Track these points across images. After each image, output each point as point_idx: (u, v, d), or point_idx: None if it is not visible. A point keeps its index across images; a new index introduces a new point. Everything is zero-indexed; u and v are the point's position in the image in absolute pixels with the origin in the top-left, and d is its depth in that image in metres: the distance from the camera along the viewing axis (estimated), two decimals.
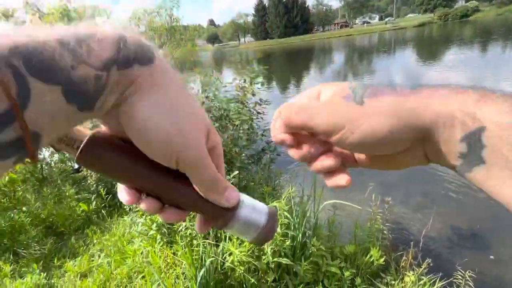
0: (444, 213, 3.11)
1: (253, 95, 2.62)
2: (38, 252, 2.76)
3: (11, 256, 2.73)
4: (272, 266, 2.03)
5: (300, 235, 2.15)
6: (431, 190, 3.48)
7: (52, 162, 4.17)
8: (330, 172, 0.34)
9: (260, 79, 2.64)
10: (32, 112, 0.20)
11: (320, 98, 0.35)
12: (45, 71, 0.20)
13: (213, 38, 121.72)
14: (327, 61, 24.46)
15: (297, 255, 2.12)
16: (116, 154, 0.29)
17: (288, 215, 2.09)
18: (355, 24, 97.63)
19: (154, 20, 5.82)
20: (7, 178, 3.05)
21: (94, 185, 3.45)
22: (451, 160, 0.27)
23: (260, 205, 0.36)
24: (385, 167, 0.34)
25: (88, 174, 3.55)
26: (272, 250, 2.01)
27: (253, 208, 0.35)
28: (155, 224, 2.34)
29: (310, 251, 2.13)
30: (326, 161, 0.33)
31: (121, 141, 0.29)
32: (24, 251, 2.77)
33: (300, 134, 0.34)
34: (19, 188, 3.34)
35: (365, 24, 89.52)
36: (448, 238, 2.88)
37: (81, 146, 0.27)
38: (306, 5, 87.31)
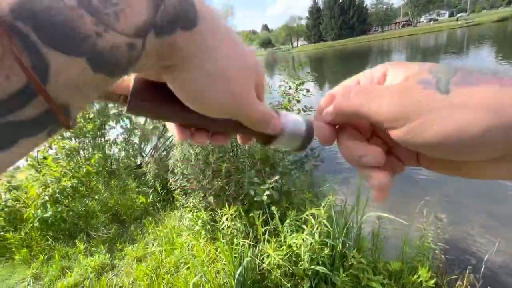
0: None
1: (298, 101, 2.64)
2: (105, 235, 3.20)
3: (84, 236, 3.21)
4: (309, 273, 2.03)
5: (340, 245, 2.10)
6: (499, 209, 3.03)
7: (119, 158, 4.77)
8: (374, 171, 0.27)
9: (302, 86, 2.65)
10: (54, 86, 0.17)
11: (385, 82, 0.28)
12: (63, 40, 0.16)
13: (266, 43, 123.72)
14: (384, 62, 22.92)
15: (336, 265, 2.08)
16: (161, 98, 0.29)
17: (327, 224, 2.07)
18: (419, 22, 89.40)
19: None
20: (84, 169, 3.60)
21: (152, 181, 3.84)
22: None
23: (298, 117, 0.37)
24: (454, 172, 0.26)
25: (147, 170, 3.97)
26: (309, 258, 2.01)
27: (294, 123, 0.36)
28: (200, 221, 2.53)
29: (350, 263, 2.07)
30: (382, 179, 0.27)
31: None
32: (94, 233, 3.23)
33: (353, 127, 0.30)
34: (93, 179, 3.90)
35: (431, 22, 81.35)
36: None
37: (128, 99, 0.28)
38: (364, 5, 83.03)
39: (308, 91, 2.68)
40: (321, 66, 26.83)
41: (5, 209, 3.19)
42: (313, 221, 2.07)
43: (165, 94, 0.28)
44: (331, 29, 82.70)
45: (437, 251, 2.20)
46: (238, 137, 0.37)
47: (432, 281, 2.04)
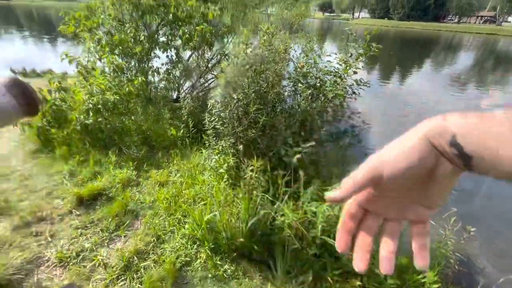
0: None
1: (355, 72, 2.46)
2: (135, 154, 3.41)
3: (117, 150, 3.44)
4: (318, 242, 2.07)
5: None
6: None
7: (158, 87, 4.87)
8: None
9: (363, 57, 2.43)
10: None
11: None
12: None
13: (326, 6, 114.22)
14: (448, 59, 20.57)
15: None
16: None
17: None
18: (506, 21, 77.27)
19: None
20: (127, 89, 3.72)
21: (185, 117, 3.93)
22: None
23: None
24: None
25: (183, 106, 4.04)
26: (322, 228, 2.04)
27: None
28: (226, 165, 2.60)
29: None
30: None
31: None
32: (126, 150, 3.45)
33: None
34: (132, 101, 4.04)
35: None
36: None
37: None
38: None
39: (367, 64, 2.47)
40: (378, 44, 24.62)
41: (53, 107, 3.43)
42: None
43: None
44: (400, 7, 74.10)
45: (451, 260, 2.14)
46: None
47: (436, 286, 2.02)
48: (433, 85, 10.61)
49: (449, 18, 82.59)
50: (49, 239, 2.22)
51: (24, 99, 0.35)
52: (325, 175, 2.53)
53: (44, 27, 24.92)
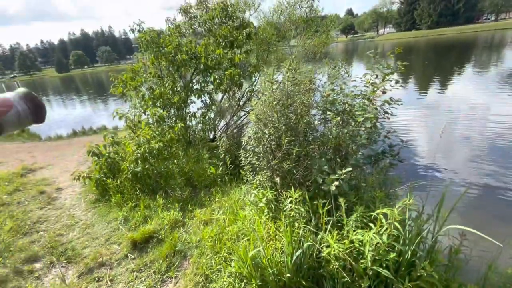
0: None
1: (384, 92, 2.43)
2: (179, 196, 3.61)
3: (163, 193, 3.69)
4: (370, 273, 1.94)
5: (410, 252, 1.94)
6: None
7: (196, 130, 5.24)
8: None
9: (394, 76, 2.41)
10: None
11: None
12: None
13: (349, 29, 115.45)
14: (492, 59, 19.02)
15: (402, 273, 1.94)
16: None
17: (399, 227, 1.91)
18: None
19: (294, 12, 6.14)
20: (169, 136, 4.07)
21: (223, 154, 4.12)
22: None
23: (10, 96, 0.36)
24: None
25: (220, 144, 4.26)
26: (373, 257, 1.92)
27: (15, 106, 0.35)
28: (265, 198, 2.63)
29: (419, 274, 1.90)
30: None
31: None
32: (171, 192, 3.68)
33: None
34: (174, 146, 4.38)
35: None
36: None
37: None
38: None
39: (397, 82, 2.44)
40: (409, 57, 23.86)
41: (108, 160, 3.87)
42: (383, 221, 1.94)
43: None
44: (428, 16, 72.02)
45: None
46: None
47: None
48: (480, 87, 9.81)
49: (484, 18, 77.59)
50: (109, 283, 2.39)
51: (34, 107, 0.43)
52: (368, 199, 2.42)
53: (98, 90, 28.80)
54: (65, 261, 2.71)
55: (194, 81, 5.21)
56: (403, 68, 2.35)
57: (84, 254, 2.78)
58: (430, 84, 11.95)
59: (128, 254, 2.72)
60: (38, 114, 0.43)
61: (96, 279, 2.46)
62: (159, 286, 2.32)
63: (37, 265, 2.69)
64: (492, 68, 14.66)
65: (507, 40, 30.22)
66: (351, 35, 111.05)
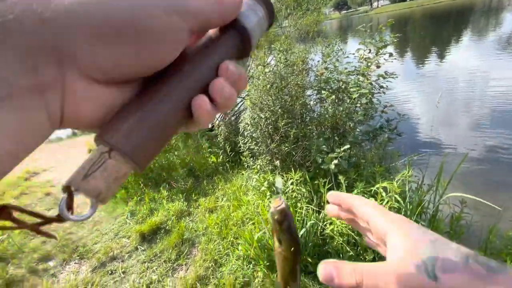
0: None
1: (378, 67, 2.40)
2: (183, 186, 3.65)
3: (167, 185, 3.73)
4: None
5: None
6: None
7: None
8: None
9: (387, 49, 2.38)
10: None
11: (388, 246, 0.32)
12: None
13: (342, 5, 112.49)
14: (490, 24, 18.53)
15: None
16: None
17: (400, 199, 1.95)
18: None
19: None
20: None
21: (222, 143, 4.13)
22: None
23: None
24: None
25: (219, 133, 4.26)
26: None
27: (253, 11, 0.30)
28: (266, 182, 2.66)
29: None
30: None
31: None
32: (174, 183, 3.72)
33: None
34: (173, 138, 4.38)
35: None
36: None
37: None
38: None
39: (391, 55, 2.40)
40: (405, 28, 23.35)
41: None
42: (383, 194, 1.97)
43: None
44: None
45: None
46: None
47: None
48: (479, 54, 9.65)
49: None
50: (122, 275, 2.47)
51: (268, 7, 0.32)
52: (368, 175, 2.45)
53: None
54: (77, 257, 2.79)
55: None
56: (395, 40, 2.30)
57: (96, 250, 2.86)
58: (426, 55, 11.75)
59: (138, 246, 2.79)
60: (270, 20, 0.32)
61: (109, 272, 2.54)
62: (170, 274, 2.40)
63: (51, 264, 2.77)
64: (491, 33, 14.36)
65: (504, 4, 29.38)
66: (345, 11, 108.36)
